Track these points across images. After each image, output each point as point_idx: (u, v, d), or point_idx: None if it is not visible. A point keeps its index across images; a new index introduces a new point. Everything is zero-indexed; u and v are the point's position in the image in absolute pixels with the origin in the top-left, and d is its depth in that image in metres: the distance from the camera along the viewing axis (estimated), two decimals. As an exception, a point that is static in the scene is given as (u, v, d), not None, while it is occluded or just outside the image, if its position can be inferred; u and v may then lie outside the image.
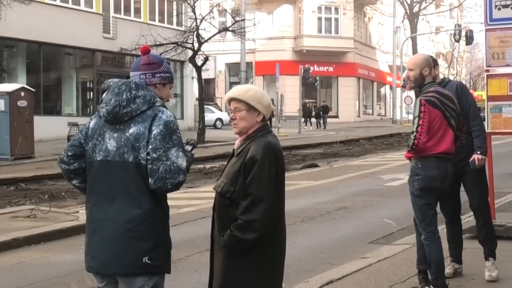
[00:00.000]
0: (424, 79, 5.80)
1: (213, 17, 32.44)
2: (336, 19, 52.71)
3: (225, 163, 4.06)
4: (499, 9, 7.77)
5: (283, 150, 4.26)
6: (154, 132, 3.69)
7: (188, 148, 3.96)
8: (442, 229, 6.43)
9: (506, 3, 7.75)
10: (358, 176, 16.05)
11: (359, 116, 55.58)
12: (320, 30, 52.24)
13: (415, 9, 59.18)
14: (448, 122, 5.69)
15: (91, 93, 34.43)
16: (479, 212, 6.57)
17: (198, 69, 29.84)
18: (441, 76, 7.13)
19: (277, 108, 39.16)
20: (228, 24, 35.85)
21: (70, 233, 9.47)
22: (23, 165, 19.32)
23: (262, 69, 50.53)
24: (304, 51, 50.80)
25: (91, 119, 3.92)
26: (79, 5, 32.33)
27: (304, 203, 11.92)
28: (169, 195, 3.83)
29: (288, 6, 52.24)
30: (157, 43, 28.09)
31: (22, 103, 20.97)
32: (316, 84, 51.75)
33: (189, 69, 36.66)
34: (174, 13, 37.54)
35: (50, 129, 27.74)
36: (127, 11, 35.54)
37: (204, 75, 34.16)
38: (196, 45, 29.22)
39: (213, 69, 48.23)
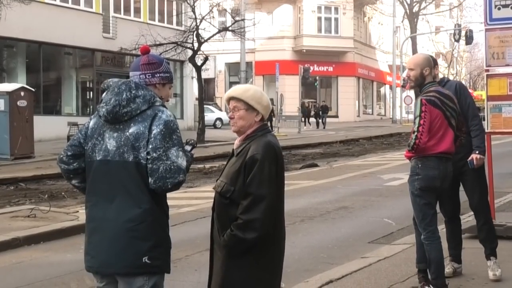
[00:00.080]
0: (424, 79, 5.80)
1: (213, 17, 32.42)
2: (336, 19, 52.72)
3: (225, 163, 4.06)
4: (499, 8, 7.77)
5: (283, 150, 4.27)
6: (154, 131, 3.69)
7: (188, 148, 3.96)
8: (441, 229, 6.43)
9: (506, 2, 7.75)
10: (358, 176, 16.05)
11: (359, 116, 55.59)
12: (320, 30, 52.26)
13: (415, 9, 59.18)
14: (449, 122, 5.70)
15: (91, 92, 34.43)
16: (479, 211, 6.57)
17: (198, 69, 29.84)
18: (440, 76, 7.13)
19: (277, 108, 39.17)
20: (228, 23, 35.84)
21: (70, 232, 9.47)
22: (23, 165, 19.32)
23: (262, 69, 50.54)
24: (304, 51, 50.80)
25: (90, 119, 3.92)
26: (79, 5, 32.33)
27: (304, 203, 11.92)
28: (168, 195, 3.83)
29: (288, 6, 52.24)
30: (157, 42, 28.10)
31: (22, 103, 20.97)
32: (316, 84, 51.78)
33: (189, 68, 36.66)
34: (174, 12, 37.55)
35: (50, 129, 27.73)
36: (127, 10, 35.54)
37: (204, 75, 34.15)
38: (196, 44, 29.22)
39: (213, 69, 48.21)
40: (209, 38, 29.90)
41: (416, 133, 5.60)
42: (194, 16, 29.10)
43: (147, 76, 3.85)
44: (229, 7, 41.05)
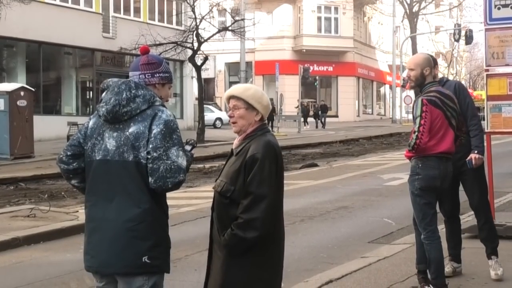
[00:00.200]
0: (425, 79, 5.80)
1: (213, 17, 32.42)
2: (336, 19, 52.72)
3: (224, 162, 4.06)
4: (498, 8, 7.77)
5: (283, 150, 4.27)
6: (154, 131, 3.70)
7: (188, 147, 3.97)
8: (441, 228, 6.43)
9: (505, 2, 7.75)
10: (358, 176, 16.05)
11: (358, 115, 55.59)
12: (319, 30, 52.26)
13: (415, 8, 59.21)
14: (449, 122, 5.70)
15: (91, 92, 34.44)
16: (480, 211, 6.57)
17: (198, 69, 29.84)
18: (440, 76, 7.12)
19: (277, 108, 39.20)
20: (228, 23, 35.84)
21: (70, 232, 9.47)
22: (23, 165, 19.32)
23: (262, 68, 50.54)
24: (304, 50, 50.80)
25: (90, 119, 3.93)
26: (79, 5, 32.32)
27: (303, 203, 11.92)
28: (168, 194, 3.83)
29: (288, 6, 52.24)
30: (157, 42, 28.10)
31: (21, 103, 20.97)
32: (315, 84, 51.77)
33: (188, 68, 36.67)
34: (174, 12, 37.55)
35: (49, 128, 27.73)
36: (126, 10, 35.54)
37: (204, 75, 34.15)
38: (195, 44, 29.21)
39: (212, 69, 48.23)
40: (209, 38, 29.90)
41: (416, 133, 5.60)
42: (194, 16, 29.10)
43: (146, 76, 3.86)
44: (229, 7, 41.05)
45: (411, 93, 39.94)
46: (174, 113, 3.89)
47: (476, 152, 6.25)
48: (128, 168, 3.70)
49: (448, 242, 6.57)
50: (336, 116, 52.56)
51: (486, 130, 7.47)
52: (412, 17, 58.19)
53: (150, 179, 3.67)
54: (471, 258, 6.91)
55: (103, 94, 3.82)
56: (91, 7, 33.14)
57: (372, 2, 58.58)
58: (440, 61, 66.98)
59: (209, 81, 51.08)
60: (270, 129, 30.41)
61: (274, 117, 38.29)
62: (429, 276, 5.85)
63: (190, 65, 32.20)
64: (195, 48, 29.28)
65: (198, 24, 28.89)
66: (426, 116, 5.59)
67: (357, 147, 27.62)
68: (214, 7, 32.66)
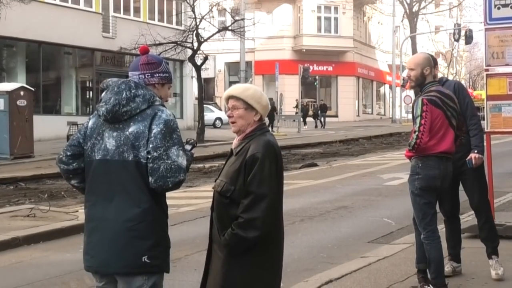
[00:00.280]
0: (425, 79, 5.80)
1: (213, 17, 32.41)
2: (336, 19, 52.71)
3: (224, 162, 4.06)
4: (498, 8, 7.77)
5: (283, 150, 4.27)
6: (154, 131, 3.70)
7: (188, 147, 3.97)
8: (441, 228, 6.43)
9: (505, 2, 7.75)
10: (358, 176, 16.05)
11: (358, 115, 55.58)
12: (319, 30, 52.25)
13: (415, 8, 59.22)
14: (449, 122, 5.70)
15: (91, 92, 34.43)
16: (480, 210, 6.57)
17: (198, 69, 29.84)
18: (439, 76, 7.12)
19: (277, 107, 39.19)
20: (228, 23, 35.84)
21: (70, 232, 9.47)
22: (23, 165, 19.32)
23: (262, 68, 50.54)
24: (304, 50, 50.80)
25: (89, 119, 3.93)
26: (79, 4, 32.31)
27: (303, 203, 11.92)
28: (168, 194, 3.83)
29: (288, 6, 52.23)
30: (157, 42, 28.09)
31: (21, 103, 20.97)
32: (315, 84, 51.76)
33: (188, 68, 36.67)
34: (174, 12, 37.53)
35: (49, 128, 27.73)
36: (126, 10, 35.53)
37: (204, 75, 34.15)
38: (195, 44, 29.21)
39: (212, 69, 48.21)
40: (208, 38, 29.89)
41: (417, 133, 5.60)
42: (193, 16, 29.09)
43: (146, 76, 3.86)
44: (229, 7, 41.06)
45: (411, 93, 39.93)
46: (174, 113, 3.89)
47: (476, 151, 6.26)
48: (128, 167, 3.71)
49: (448, 242, 6.57)
50: (336, 116, 52.55)
51: (486, 130, 7.47)
52: (412, 16, 58.20)
53: (150, 178, 3.67)
54: (471, 258, 6.91)
55: (103, 94, 3.82)
56: (91, 7, 33.13)
57: (372, 2, 58.57)
58: (440, 61, 66.98)
59: (209, 81, 51.08)
60: (270, 128, 30.29)
61: (275, 117, 38.28)
62: (429, 275, 5.85)
63: (190, 65, 32.20)
64: (195, 48, 29.28)
65: (198, 23, 28.89)
66: (426, 116, 5.59)
67: (357, 147, 27.62)
68: (214, 7, 32.66)
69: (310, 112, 47.01)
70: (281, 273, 3.95)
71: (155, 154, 3.66)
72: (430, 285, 5.79)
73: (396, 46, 54.33)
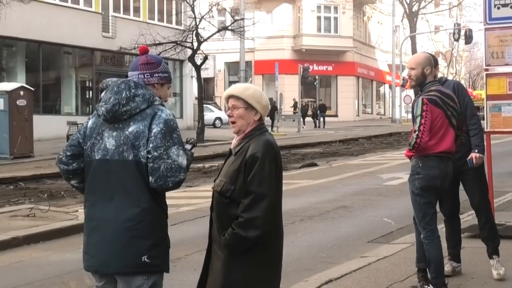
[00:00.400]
0: (425, 78, 5.80)
1: (212, 16, 32.40)
2: (336, 18, 52.72)
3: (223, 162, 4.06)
4: (498, 8, 7.77)
5: (282, 149, 4.27)
6: (154, 130, 3.70)
7: (188, 147, 3.97)
8: (441, 228, 6.43)
9: (505, 2, 7.75)
10: (357, 175, 16.05)
11: (358, 115, 55.58)
12: (319, 29, 52.26)
13: (414, 8, 59.21)
14: (450, 122, 5.70)
15: (90, 92, 34.43)
16: (481, 210, 6.57)
17: (198, 68, 29.84)
18: (439, 75, 7.12)
19: (277, 107, 39.20)
20: (228, 23, 35.84)
21: (69, 232, 9.47)
22: (22, 164, 19.32)
23: (261, 68, 50.54)
24: (304, 50, 50.80)
25: (89, 119, 3.92)
26: (78, 4, 32.31)
27: (303, 202, 11.92)
28: (168, 194, 3.83)
29: (288, 5, 52.23)
30: (157, 42, 28.09)
31: (21, 102, 20.96)
32: (315, 83, 51.77)
33: (188, 68, 36.67)
34: (174, 12, 37.53)
35: (49, 128, 27.73)
36: (126, 10, 35.53)
37: (204, 74, 34.15)
38: (195, 44, 29.20)
39: (212, 68, 48.24)
40: (208, 38, 29.89)
41: (417, 133, 5.60)
42: (193, 16, 29.10)
43: (145, 76, 3.86)
44: (229, 7, 41.07)
45: (411, 92, 39.96)
46: (173, 113, 3.89)
47: (476, 151, 6.26)
48: (127, 167, 3.70)
49: (447, 242, 6.57)
50: (336, 115, 52.56)
51: (485, 130, 7.47)
52: (412, 16, 58.20)
53: (150, 178, 3.67)
54: (470, 258, 6.91)
55: (103, 94, 3.82)
56: (91, 6, 33.13)
57: (372, 2, 58.58)
58: (440, 60, 66.90)
59: (209, 81, 51.09)
60: (270, 128, 30.22)
61: (275, 116, 38.27)
62: (428, 275, 5.85)
63: (189, 64, 32.20)
64: (194, 47, 29.27)
65: (197, 23, 28.88)
66: (426, 116, 5.59)
67: (356, 146, 27.61)
68: (213, 7, 32.66)
69: (310, 112, 47.01)
70: (281, 272, 3.95)
71: (155, 153, 3.66)
72: (430, 285, 5.79)
73: (396, 46, 54.34)
